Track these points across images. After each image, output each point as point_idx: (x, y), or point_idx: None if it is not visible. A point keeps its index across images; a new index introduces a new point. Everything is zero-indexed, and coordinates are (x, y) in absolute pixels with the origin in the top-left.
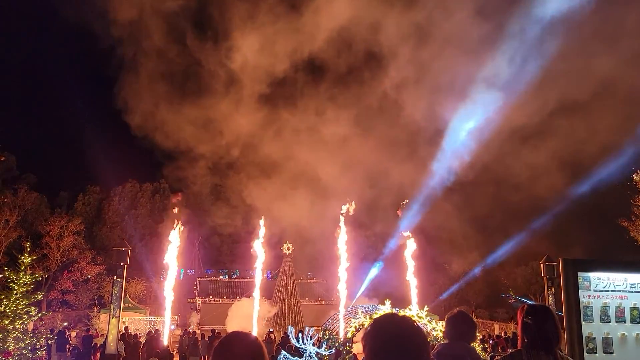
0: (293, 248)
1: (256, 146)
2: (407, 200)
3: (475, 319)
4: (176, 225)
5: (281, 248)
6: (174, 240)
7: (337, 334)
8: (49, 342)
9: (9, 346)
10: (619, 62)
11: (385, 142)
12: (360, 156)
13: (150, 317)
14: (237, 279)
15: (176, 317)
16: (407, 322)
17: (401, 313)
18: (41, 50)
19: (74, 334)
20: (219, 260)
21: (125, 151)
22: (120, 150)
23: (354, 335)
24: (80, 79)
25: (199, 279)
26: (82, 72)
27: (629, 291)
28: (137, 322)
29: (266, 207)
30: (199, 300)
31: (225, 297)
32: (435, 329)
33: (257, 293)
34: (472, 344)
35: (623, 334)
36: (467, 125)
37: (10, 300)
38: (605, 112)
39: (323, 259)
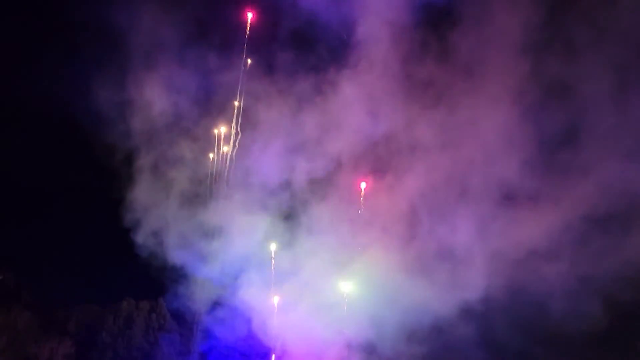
0: None
1: None
2: None
3: None
4: None
5: None
6: None
7: None
8: None
9: None
10: None
11: None
12: None
13: None
14: None
15: None
16: None
17: None
18: (40, 162)
19: None
20: None
21: (123, 267)
22: (119, 266)
23: None
24: (81, 194)
25: None
26: (82, 187)
27: None
28: None
29: None
30: None
31: None
32: None
33: None
34: None
35: None
36: None
37: None
38: None
39: None
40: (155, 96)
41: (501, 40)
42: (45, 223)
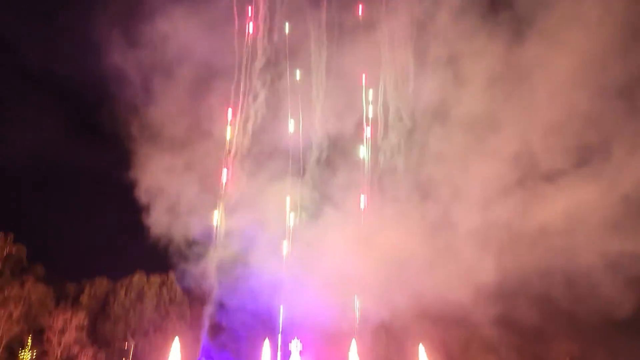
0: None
1: None
2: None
3: None
4: None
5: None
6: None
7: None
8: None
9: None
10: None
11: None
12: None
13: None
14: None
15: None
16: None
17: None
18: (51, 139)
19: None
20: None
21: (134, 239)
22: (130, 239)
23: None
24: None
25: None
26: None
27: None
28: None
29: None
30: None
31: None
32: None
33: None
34: None
35: None
36: None
37: None
38: None
39: None
40: None
41: None
42: (60, 199)
